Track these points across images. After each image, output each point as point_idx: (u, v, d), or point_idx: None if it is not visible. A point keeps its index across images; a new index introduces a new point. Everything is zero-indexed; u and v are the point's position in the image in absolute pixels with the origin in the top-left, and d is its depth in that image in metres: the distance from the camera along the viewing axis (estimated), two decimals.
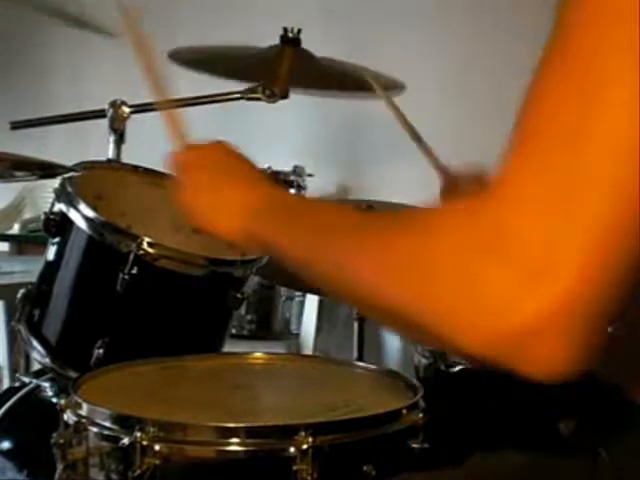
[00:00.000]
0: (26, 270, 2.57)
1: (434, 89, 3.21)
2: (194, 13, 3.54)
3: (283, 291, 2.85)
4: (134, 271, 1.73)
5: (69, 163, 1.85)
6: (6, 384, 2.77)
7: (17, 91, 3.79)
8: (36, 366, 2.10)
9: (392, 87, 2.61)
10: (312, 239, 0.97)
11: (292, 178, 3.04)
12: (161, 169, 2.05)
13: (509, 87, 3.31)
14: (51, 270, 1.87)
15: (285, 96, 2.27)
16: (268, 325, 2.87)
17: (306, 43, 2.50)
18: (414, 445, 1.43)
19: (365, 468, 1.36)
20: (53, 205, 1.85)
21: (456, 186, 1.65)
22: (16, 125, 2.36)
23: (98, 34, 2.41)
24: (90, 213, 1.77)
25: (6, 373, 2.86)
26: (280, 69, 2.39)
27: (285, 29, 2.48)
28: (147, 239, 1.74)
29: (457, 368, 1.85)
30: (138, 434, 1.33)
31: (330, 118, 3.38)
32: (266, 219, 1.14)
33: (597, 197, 0.71)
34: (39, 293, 1.87)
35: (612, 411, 1.16)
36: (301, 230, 1.02)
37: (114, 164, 2.13)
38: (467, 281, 0.74)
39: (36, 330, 1.85)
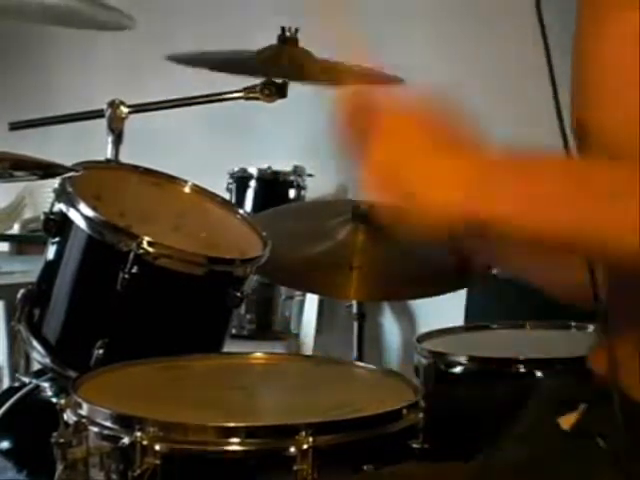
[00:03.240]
0: (26, 270, 2.57)
1: (433, 86, 3.21)
2: (193, 12, 3.54)
3: (283, 291, 2.85)
4: (134, 270, 1.73)
5: (69, 163, 1.85)
6: (6, 384, 2.77)
7: (17, 91, 3.79)
8: (36, 366, 2.10)
9: (393, 82, 2.61)
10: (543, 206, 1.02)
11: (292, 178, 3.04)
12: (160, 169, 2.05)
13: (506, 82, 3.31)
14: (51, 270, 1.86)
15: (283, 95, 2.27)
16: (268, 325, 2.87)
17: (305, 42, 2.49)
18: (414, 445, 1.43)
19: (365, 468, 1.36)
20: (53, 205, 1.85)
21: None
22: (15, 126, 2.35)
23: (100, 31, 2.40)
24: (90, 213, 1.77)
25: (6, 373, 2.86)
26: (278, 68, 2.39)
27: (283, 28, 2.48)
28: (147, 238, 1.74)
29: (457, 368, 1.85)
30: (138, 434, 1.33)
31: (330, 118, 3.38)
32: (486, 188, 1.04)
33: None
34: (39, 293, 1.87)
35: (610, 405, 1.16)
36: (526, 197, 1.03)
37: (114, 164, 2.13)
38: None
39: (36, 330, 1.85)
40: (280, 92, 2.26)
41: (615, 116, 1.10)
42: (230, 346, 1.93)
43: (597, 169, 1.05)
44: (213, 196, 2.05)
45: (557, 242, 1.04)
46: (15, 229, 3.33)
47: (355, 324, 2.40)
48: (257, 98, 2.26)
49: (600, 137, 1.12)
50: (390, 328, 3.35)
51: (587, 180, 1.03)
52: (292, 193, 3.02)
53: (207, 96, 2.33)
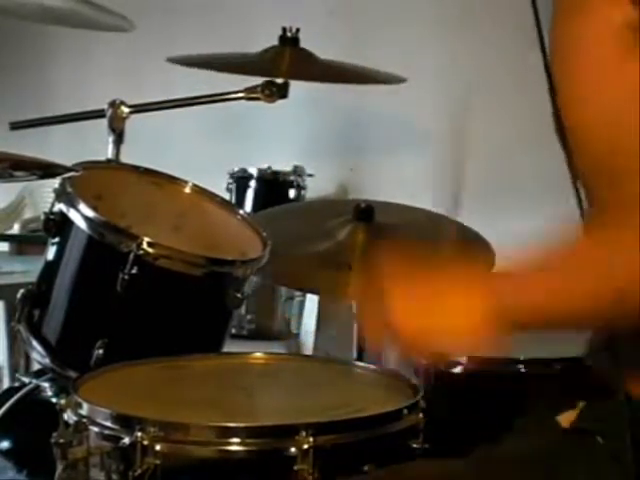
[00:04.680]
0: (26, 270, 2.57)
1: (433, 86, 3.21)
2: (194, 12, 3.54)
3: (283, 291, 2.84)
4: (134, 271, 1.73)
5: (69, 163, 1.85)
6: (6, 384, 2.77)
7: (17, 91, 3.79)
8: (36, 366, 2.10)
9: (392, 81, 2.61)
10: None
11: (292, 178, 3.04)
12: (160, 169, 2.05)
13: (504, 82, 3.31)
14: (51, 270, 1.86)
15: (284, 96, 2.28)
16: (268, 325, 2.87)
17: (306, 43, 2.50)
18: (414, 445, 1.43)
19: (366, 468, 1.36)
20: (53, 205, 1.85)
21: None
22: (16, 125, 2.36)
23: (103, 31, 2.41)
24: (90, 213, 1.77)
25: (6, 373, 2.86)
26: (279, 69, 2.39)
27: (284, 29, 2.48)
28: (147, 239, 1.74)
29: (457, 368, 1.85)
30: (139, 434, 1.33)
31: (330, 118, 3.38)
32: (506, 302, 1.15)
33: None
34: (39, 293, 1.87)
35: (609, 403, 1.17)
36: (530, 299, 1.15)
37: (114, 164, 2.13)
38: None
39: (36, 330, 1.85)
40: (281, 92, 2.27)
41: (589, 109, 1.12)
42: (230, 346, 1.93)
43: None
44: (213, 196, 2.05)
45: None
46: (15, 229, 3.33)
47: (355, 324, 2.40)
48: (258, 98, 2.27)
49: (577, 130, 1.13)
50: None
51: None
52: (292, 193, 3.02)
53: (208, 96, 2.33)
